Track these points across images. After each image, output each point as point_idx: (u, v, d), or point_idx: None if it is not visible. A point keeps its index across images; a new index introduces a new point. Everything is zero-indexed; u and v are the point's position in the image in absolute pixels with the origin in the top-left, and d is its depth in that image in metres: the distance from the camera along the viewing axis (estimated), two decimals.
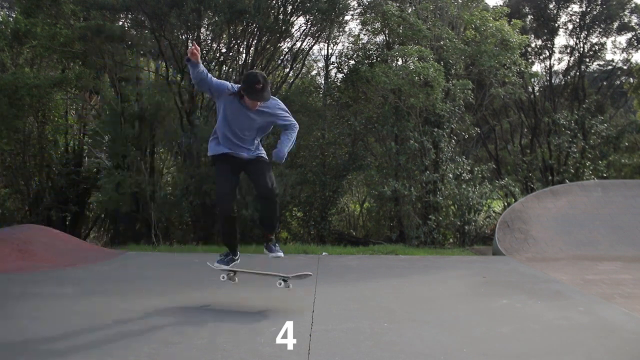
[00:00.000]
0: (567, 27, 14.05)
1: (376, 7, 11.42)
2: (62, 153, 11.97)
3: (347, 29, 12.91)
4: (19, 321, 4.05)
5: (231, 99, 4.32)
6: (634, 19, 13.96)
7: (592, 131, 13.12)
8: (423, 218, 10.10)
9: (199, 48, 4.17)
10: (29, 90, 9.93)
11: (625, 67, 14.87)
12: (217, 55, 11.29)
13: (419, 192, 10.11)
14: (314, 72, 14.08)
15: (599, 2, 13.72)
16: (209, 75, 4.33)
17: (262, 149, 4.63)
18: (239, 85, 4.33)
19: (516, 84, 11.16)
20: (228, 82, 4.43)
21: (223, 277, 4.62)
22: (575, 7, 13.88)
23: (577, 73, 14.33)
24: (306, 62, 13.36)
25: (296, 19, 11.35)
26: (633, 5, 13.79)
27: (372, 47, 12.11)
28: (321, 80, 13.58)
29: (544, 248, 8.12)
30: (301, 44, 12.03)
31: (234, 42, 11.15)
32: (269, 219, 4.61)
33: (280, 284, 4.55)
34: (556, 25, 13.94)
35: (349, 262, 7.22)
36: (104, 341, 3.59)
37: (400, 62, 10.85)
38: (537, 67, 14.16)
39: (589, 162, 13.12)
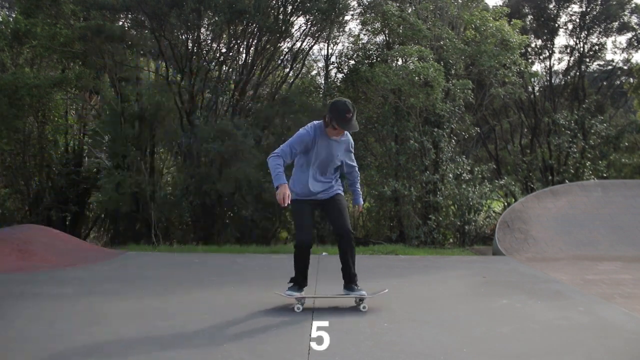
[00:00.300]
0: (567, 27, 14.07)
1: (376, 7, 11.41)
2: (62, 153, 11.97)
3: (347, 29, 12.94)
4: (19, 321, 4.05)
5: (316, 140, 4.25)
6: (634, 19, 13.98)
7: (592, 131, 13.12)
8: (423, 218, 10.10)
9: (288, 202, 4.11)
10: (29, 90, 9.93)
11: (625, 67, 14.88)
12: (217, 55, 11.29)
13: (419, 192, 10.11)
14: (314, 72, 14.10)
15: (599, 2, 13.72)
16: (289, 156, 4.24)
17: (341, 184, 4.58)
18: (319, 122, 4.30)
19: (516, 84, 11.16)
20: (303, 132, 4.27)
21: (298, 308, 4.34)
22: (575, 7, 13.90)
23: (577, 73, 14.33)
24: (306, 62, 13.37)
25: (296, 19, 11.37)
26: (633, 5, 13.82)
27: (372, 47, 12.10)
28: (321, 80, 13.59)
29: (544, 248, 8.12)
30: (301, 44, 12.05)
31: (234, 42, 11.15)
32: (349, 266, 4.48)
33: (364, 307, 4.38)
34: (556, 25, 13.94)
35: None
36: (104, 341, 3.59)
37: (400, 62, 10.85)
38: (537, 67, 14.19)
39: (589, 162, 13.13)
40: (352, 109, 4.16)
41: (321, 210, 4.60)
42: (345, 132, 4.34)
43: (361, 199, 4.71)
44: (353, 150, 4.54)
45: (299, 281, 4.48)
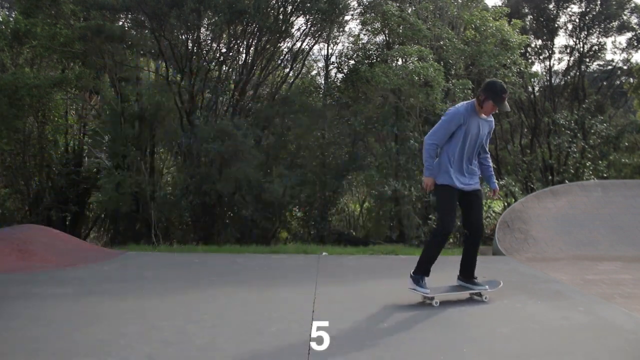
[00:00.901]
0: (567, 28, 14.08)
1: (376, 7, 11.42)
2: (62, 153, 11.98)
3: (347, 29, 12.93)
4: (19, 321, 4.05)
5: (467, 118, 4.48)
6: (634, 19, 13.98)
7: (592, 131, 13.12)
8: (423, 218, 10.10)
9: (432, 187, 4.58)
10: (29, 90, 9.93)
11: (625, 67, 14.86)
12: (217, 55, 11.29)
13: (419, 192, 10.10)
14: (314, 72, 14.10)
15: (599, 2, 13.72)
16: (444, 139, 4.52)
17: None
18: (469, 102, 4.59)
19: (516, 84, 11.16)
20: (454, 110, 4.54)
21: (436, 303, 4.53)
22: (575, 8, 13.90)
23: (577, 73, 14.33)
24: (306, 62, 13.36)
25: (296, 19, 11.37)
26: (633, 5, 13.81)
27: (372, 47, 12.12)
28: (321, 80, 13.59)
29: (544, 248, 8.12)
30: (301, 44, 12.05)
31: (234, 42, 11.15)
32: (474, 261, 4.75)
33: (486, 298, 4.68)
34: (556, 25, 13.94)
35: (348, 262, 7.21)
36: (104, 341, 3.59)
37: (400, 62, 10.85)
38: (537, 67, 14.19)
39: (589, 162, 13.12)
40: (506, 90, 4.55)
41: (461, 200, 4.69)
42: (491, 117, 4.65)
43: (496, 183, 4.90)
44: (491, 136, 4.80)
45: (427, 270, 4.62)
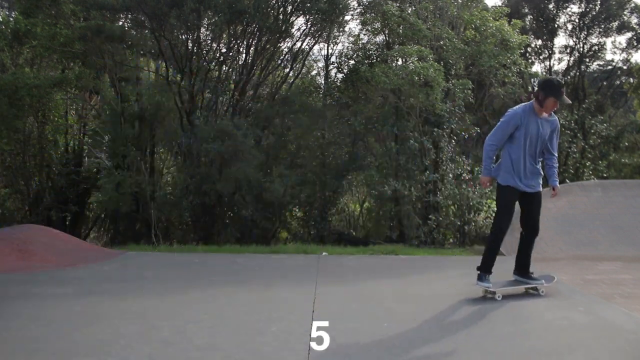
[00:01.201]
0: (567, 28, 14.08)
1: (376, 7, 11.41)
2: (62, 153, 11.97)
3: (347, 29, 12.87)
4: (19, 321, 4.06)
5: (525, 119, 4.59)
6: (634, 19, 13.99)
7: (592, 131, 13.12)
8: (423, 218, 10.09)
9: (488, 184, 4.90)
10: (29, 90, 9.93)
11: (625, 67, 14.86)
12: (217, 55, 11.29)
13: (419, 192, 10.10)
14: (314, 72, 14.08)
15: (599, 2, 13.73)
16: (502, 140, 4.69)
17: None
18: (527, 103, 4.70)
19: (516, 84, 11.17)
20: (511, 112, 4.68)
21: (499, 297, 4.74)
22: (575, 8, 13.91)
23: (577, 73, 14.33)
24: (306, 62, 13.35)
25: (296, 19, 11.35)
26: (633, 5, 13.82)
27: (372, 47, 12.10)
28: (321, 80, 13.58)
29: (544, 248, 8.11)
30: (301, 44, 12.03)
31: (234, 42, 11.15)
32: (529, 257, 4.95)
33: (542, 291, 4.87)
34: (556, 25, 13.95)
35: (348, 262, 7.22)
36: (104, 341, 3.59)
37: (400, 62, 10.84)
38: (537, 67, 14.20)
39: (589, 162, 13.13)
40: (563, 84, 4.65)
41: (521, 200, 4.83)
42: (552, 113, 4.72)
43: (557, 182, 4.98)
44: (558, 137, 4.89)
45: (490, 267, 4.82)
